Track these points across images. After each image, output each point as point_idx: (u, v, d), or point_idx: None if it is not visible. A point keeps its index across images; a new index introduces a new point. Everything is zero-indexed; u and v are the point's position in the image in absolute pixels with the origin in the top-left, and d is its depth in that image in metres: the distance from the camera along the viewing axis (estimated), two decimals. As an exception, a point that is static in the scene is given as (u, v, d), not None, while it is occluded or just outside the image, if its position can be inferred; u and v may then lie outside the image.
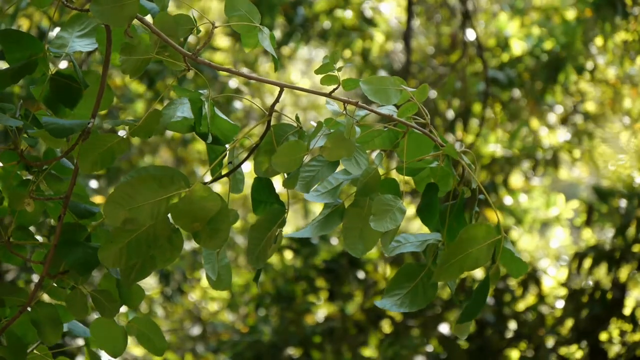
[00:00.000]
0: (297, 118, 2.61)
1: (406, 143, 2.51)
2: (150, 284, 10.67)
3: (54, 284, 2.67)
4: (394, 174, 2.83)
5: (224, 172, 2.59)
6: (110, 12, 2.50)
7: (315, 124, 2.52)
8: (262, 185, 2.57)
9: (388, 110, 2.54)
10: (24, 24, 7.40)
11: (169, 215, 2.39)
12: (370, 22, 10.19)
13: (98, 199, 7.15)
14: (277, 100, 2.60)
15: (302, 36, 9.82)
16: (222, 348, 10.32)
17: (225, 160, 2.57)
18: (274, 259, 10.31)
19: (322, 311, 10.26)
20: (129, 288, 2.64)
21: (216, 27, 2.63)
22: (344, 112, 2.52)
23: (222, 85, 8.61)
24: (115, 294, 2.66)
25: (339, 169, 2.48)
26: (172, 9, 9.86)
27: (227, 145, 2.63)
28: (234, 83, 8.90)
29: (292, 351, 9.98)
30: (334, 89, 2.56)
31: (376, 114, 2.54)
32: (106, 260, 2.41)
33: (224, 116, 2.61)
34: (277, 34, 9.72)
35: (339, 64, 2.57)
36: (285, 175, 2.52)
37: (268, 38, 2.62)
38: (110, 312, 2.64)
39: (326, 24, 9.91)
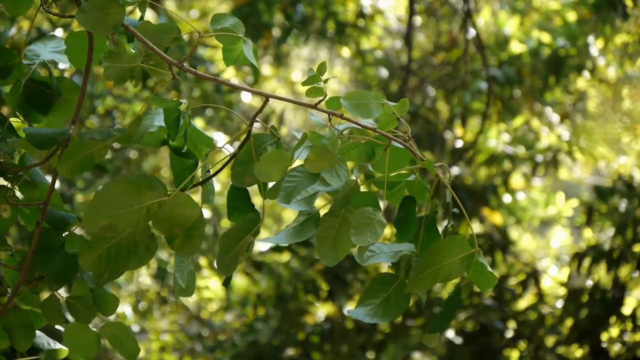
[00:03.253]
0: (274, 129, 2.61)
1: (388, 156, 2.52)
2: (148, 284, 10.69)
3: (28, 290, 2.67)
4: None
5: (196, 181, 2.59)
6: (95, 20, 2.53)
7: (297, 134, 2.53)
8: (239, 193, 2.58)
9: (370, 123, 2.54)
10: (24, 25, 7.40)
11: (150, 222, 2.40)
12: (370, 18, 10.18)
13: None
14: (260, 111, 2.60)
15: (300, 33, 9.80)
16: (220, 348, 10.34)
17: (197, 171, 2.57)
18: (272, 259, 10.33)
19: (321, 311, 10.27)
20: (100, 288, 2.66)
21: (202, 37, 2.63)
22: (329, 124, 2.52)
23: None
24: (90, 301, 2.67)
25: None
26: (172, 9, 9.85)
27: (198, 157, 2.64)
28: (235, 82, 8.90)
29: (292, 352, 9.99)
30: (320, 101, 2.56)
31: (360, 126, 2.54)
32: (86, 265, 2.43)
33: (199, 128, 2.62)
34: (276, 31, 9.71)
35: (326, 75, 2.57)
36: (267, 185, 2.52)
37: (251, 50, 2.63)
38: (86, 318, 2.65)
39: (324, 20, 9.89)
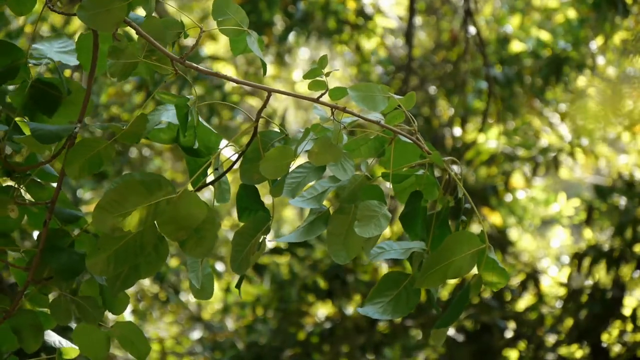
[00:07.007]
0: (282, 125, 2.60)
1: (393, 150, 2.50)
2: (148, 284, 10.65)
3: (37, 290, 2.66)
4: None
5: (208, 180, 2.57)
6: (97, 17, 2.49)
7: (301, 131, 2.51)
8: (247, 192, 2.56)
9: (375, 117, 2.52)
10: (28, 29, 7.41)
11: (156, 222, 2.37)
12: (370, 17, 10.16)
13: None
14: (264, 106, 2.59)
15: (301, 32, 9.78)
16: (219, 349, 10.31)
17: (210, 169, 2.55)
18: (271, 260, 10.31)
19: (321, 311, 10.25)
20: (114, 296, 2.63)
21: (204, 32, 2.62)
22: (332, 117, 2.51)
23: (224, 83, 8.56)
24: (99, 301, 2.65)
25: (325, 175, 2.48)
26: (174, 10, 9.83)
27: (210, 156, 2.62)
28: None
29: (291, 352, 9.97)
30: (322, 94, 2.54)
31: (363, 119, 2.52)
32: (94, 268, 2.40)
33: (208, 126, 2.60)
34: (277, 29, 9.69)
35: (327, 69, 2.55)
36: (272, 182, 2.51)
37: (256, 42, 2.61)
38: (94, 318, 2.63)
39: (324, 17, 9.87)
